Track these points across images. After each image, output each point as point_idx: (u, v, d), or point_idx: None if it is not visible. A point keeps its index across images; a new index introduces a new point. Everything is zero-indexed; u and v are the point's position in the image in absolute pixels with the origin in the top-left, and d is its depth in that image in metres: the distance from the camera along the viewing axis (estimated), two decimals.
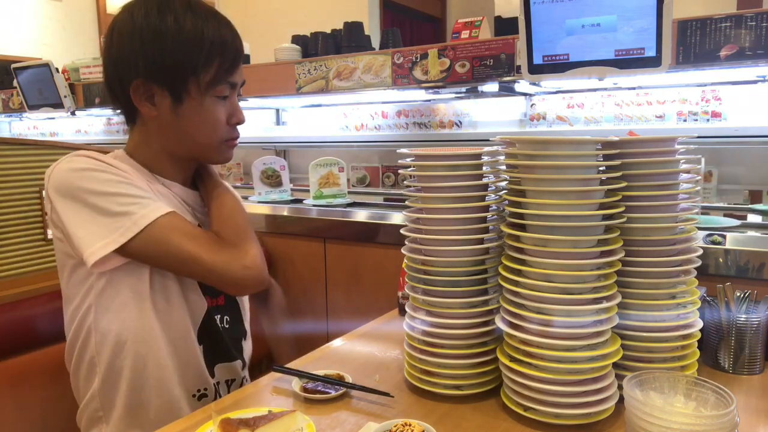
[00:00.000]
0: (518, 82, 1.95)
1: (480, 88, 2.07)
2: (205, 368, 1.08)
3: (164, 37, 0.96)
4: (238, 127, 1.08)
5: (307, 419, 0.87)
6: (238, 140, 1.10)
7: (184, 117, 1.01)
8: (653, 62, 1.51)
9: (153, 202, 0.97)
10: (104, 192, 0.95)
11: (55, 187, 0.97)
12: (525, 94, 2.22)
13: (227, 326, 1.14)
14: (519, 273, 0.92)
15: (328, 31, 2.58)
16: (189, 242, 0.96)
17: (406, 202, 1.06)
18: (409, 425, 0.82)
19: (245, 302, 1.21)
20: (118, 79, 1.01)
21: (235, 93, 1.06)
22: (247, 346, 1.20)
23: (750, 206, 1.86)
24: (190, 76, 0.98)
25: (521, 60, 1.68)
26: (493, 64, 1.92)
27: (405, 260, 1.06)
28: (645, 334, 0.95)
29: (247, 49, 2.83)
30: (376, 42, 2.53)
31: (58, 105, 3.20)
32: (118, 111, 1.07)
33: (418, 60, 2.09)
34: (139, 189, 0.98)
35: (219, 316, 1.12)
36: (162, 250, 0.95)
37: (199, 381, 1.08)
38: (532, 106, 2.28)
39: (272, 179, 2.44)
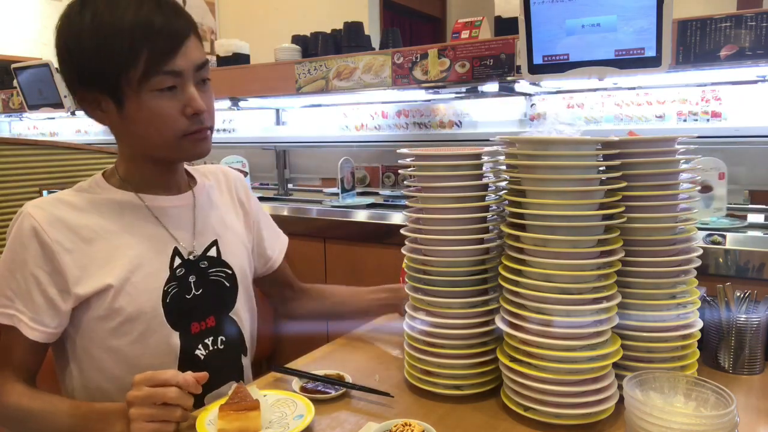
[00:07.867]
0: (518, 82, 1.95)
1: (480, 88, 2.07)
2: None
3: (83, 37, 0.89)
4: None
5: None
6: (210, 132, 0.99)
7: (130, 119, 0.93)
8: (653, 62, 1.51)
9: (12, 306, 0.94)
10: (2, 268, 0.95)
11: None
12: (525, 94, 2.22)
13: (222, 347, 1.06)
14: (519, 273, 0.91)
15: (328, 31, 2.58)
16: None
17: (406, 202, 1.06)
18: (409, 425, 0.82)
19: (246, 315, 1.13)
20: (71, 93, 0.96)
21: (186, 80, 0.92)
22: (249, 362, 1.14)
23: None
24: (118, 75, 0.89)
25: (521, 60, 1.68)
26: (493, 64, 1.92)
27: (405, 260, 1.06)
28: (645, 334, 0.95)
29: (246, 49, 2.87)
30: (376, 42, 2.53)
31: (58, 105, 3.20)
32: None
33: (418, 60, 2.09)
34: (16, 286, 0.94)
35: (211, 338, 1.05)
36: None
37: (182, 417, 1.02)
38: (532, 106, 2.28)
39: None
